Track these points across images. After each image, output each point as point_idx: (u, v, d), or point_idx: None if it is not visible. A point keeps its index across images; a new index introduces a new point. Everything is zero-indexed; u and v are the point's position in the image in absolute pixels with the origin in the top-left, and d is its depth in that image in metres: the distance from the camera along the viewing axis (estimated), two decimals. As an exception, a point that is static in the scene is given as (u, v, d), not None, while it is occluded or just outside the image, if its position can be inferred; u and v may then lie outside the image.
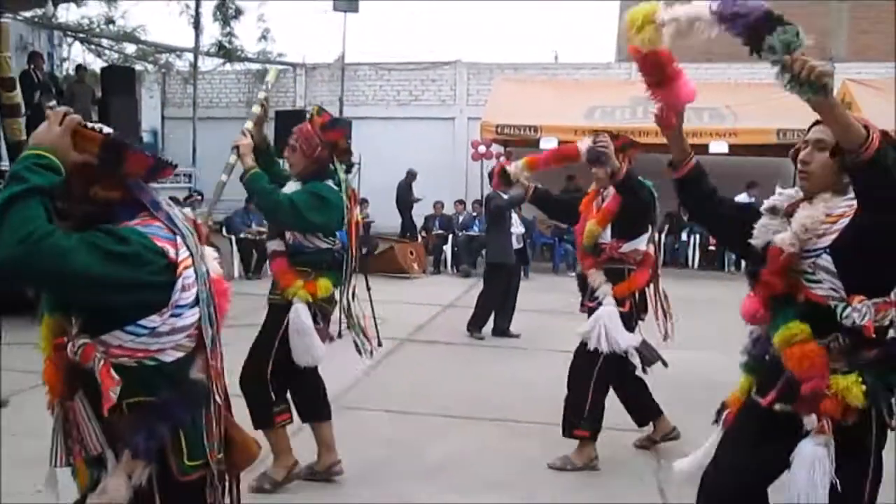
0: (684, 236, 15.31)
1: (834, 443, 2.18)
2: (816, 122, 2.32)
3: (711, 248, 14.92)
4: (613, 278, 4.41)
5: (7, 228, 1.58)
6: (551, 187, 5.78)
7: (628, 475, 4.44)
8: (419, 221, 15.81)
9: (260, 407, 3.92)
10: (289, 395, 4.14)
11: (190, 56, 16.77)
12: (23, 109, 9.73)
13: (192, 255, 1.89)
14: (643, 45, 2.30)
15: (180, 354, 1.90)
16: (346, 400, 5.76)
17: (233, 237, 12.73)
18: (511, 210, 8.63)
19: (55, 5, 14.70)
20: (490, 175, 5.10)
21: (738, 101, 14.36)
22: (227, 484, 2.06)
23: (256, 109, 4.06)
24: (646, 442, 4.77)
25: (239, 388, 3.92)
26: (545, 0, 37.52)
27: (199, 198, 13.15)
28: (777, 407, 2.31)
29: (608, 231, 4.42)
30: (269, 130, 15.66)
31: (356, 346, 4.30)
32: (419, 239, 15.09)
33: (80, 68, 14.34)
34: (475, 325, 8.29)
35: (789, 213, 2.33)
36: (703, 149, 13.33)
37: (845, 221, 2.17)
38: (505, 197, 7.84)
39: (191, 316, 1.88)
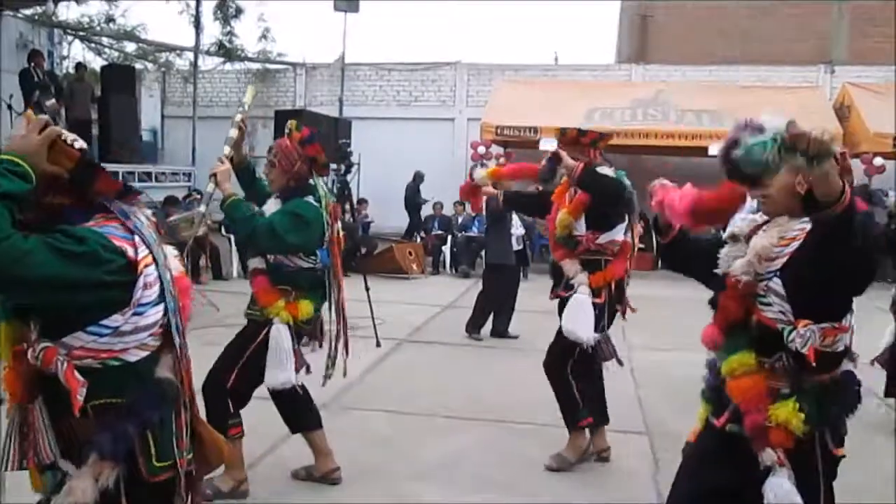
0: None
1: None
2: None
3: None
4: (590, 268, 4.33)
5: None
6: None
7: (627, 477, 4.44)
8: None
9: (215, 415, 3.83)
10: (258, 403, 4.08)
11: (190, 55, 16.76)
12: None
13: (152, 253, 1.88)
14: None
15: (145, 353, 1.89)
16: (345, 400, 5.75)
17: (232, 237, 12.72)
18: (511, 211, 8.62)
19: (55, 3, 14.71)
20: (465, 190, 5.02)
21: (738, 104, 14.36)
22: (196, 485, 2.06)
23: (234, 133, 3.96)
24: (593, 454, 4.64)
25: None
26: (546, 1, 37.55)
27: (199, 196, 13.12)
28: (728, 428, 2.33)
29: (583, 223, 4.33)
30: (269, 130, 15.70)
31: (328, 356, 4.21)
32: (418, 239, 15.09)
33: (80, 66, 14.33)
34: (474, 326, 8.28)
35: (750, 237, 2.33)
36: (703, 151, 13.33)
37: (796, 245, 2.16)
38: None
39: (154, 314, 1.88)
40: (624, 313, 4.54)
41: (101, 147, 13.41)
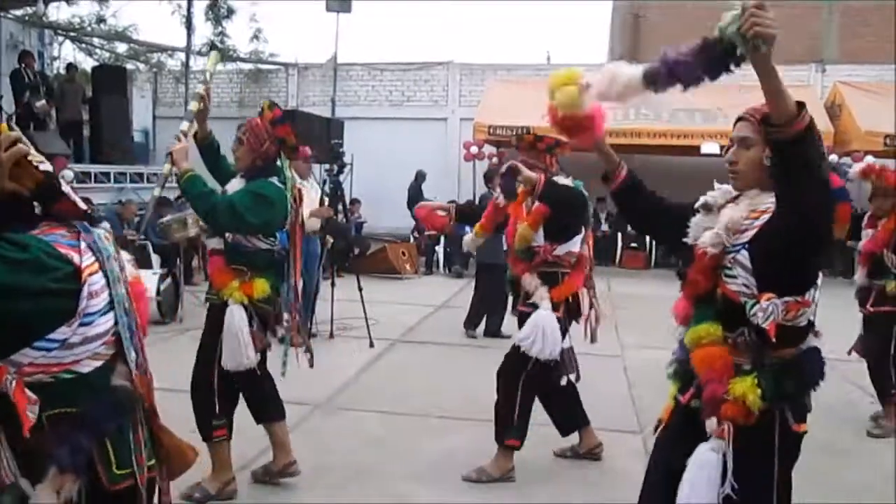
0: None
1: (737, 448, 2.15)
2: (739, 119, 2.31)
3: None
4: (548, 281, 4.28)
5: None
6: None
7: (621, 476, 4.44)
8: (411, 222, 15.81)
9: (201, 417, 3.82)
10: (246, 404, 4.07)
11: (181, 55, 16.72)
12: None
13: (99, 261, 1.84)
14: (561, 106, 2.34)
15: (98, 363, 1.85)
16: (339, 401, 5.75)
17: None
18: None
19: (46, 4, 14.65)
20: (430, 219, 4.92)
21: (729, 103, 14.34)
22: (158, 491, 2.03)
23: (194, 106, 3.89)
24: (568, 452, 4.66)
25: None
26: (538, 0, 37.58)
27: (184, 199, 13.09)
28: (693, 404, 2.31)
29: (540, 234, 4.27)
30: (262, 130, 15.31)
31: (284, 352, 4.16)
32: (412, 239, 15.09)
33: (70, 67, 14.29)
34: (470, 324, 8.33)
35: (722, 209, 2.31)
36: (695, 150, 13.36)
37: (766, 218, 2.15)
38: (496, 194, 7.82)
39: (104, 323, 1.84)
40: (585, 320, 4.50)
41: (92, 148, 13.38)
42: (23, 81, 12.32)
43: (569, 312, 4.35)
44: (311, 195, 7.81)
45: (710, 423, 2.19)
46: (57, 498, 1.79)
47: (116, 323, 1.88)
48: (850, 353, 5.46)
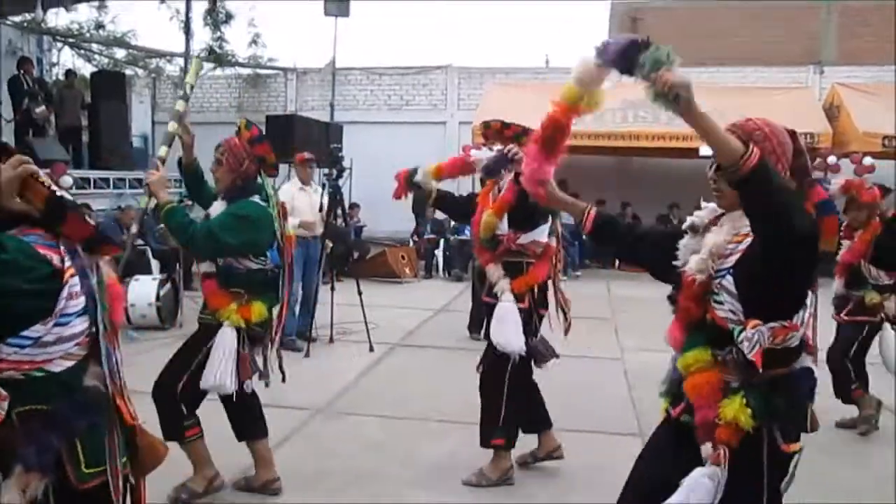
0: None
1: (727, 469, 2.12)
2: None
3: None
4: (512, 272, 4.20)
5: None
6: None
7: (621, 479, 4.41)
8: (410, 226, 15.81)
9: (168, 419, 3.77)
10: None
11: (180, 61, 16.73)
12: None
13: (76, 262, 1.85)
14: (587, 107, 2.34)
15: (71, 363, 1.87)
16: (339, 405, 5.74)
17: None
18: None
19: (45, 10, 14.66)
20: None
21: (726, 105, 14.37)
22: (130, 488, 2.04)
23: (172, 128, 3.86)
24: (529, 458, 4.53)
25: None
26: (536, 2, 37.64)
27: (190, 203, 13.10)
28: (682, 419, 2.29)
29: (505, 222, 4.19)
30: (260, 135, 15.25)
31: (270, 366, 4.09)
32: (411, 243, 15.09)
33: (69, 73, 14.29)
34: (475, 328, 8.31)
35: (707, 229, 2.28)
36: (693, 152, 13.36)
37: (748, 241, 2.12)
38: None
39: (79, 324, 1.86)
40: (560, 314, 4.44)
41: (91, 153, 13.37)
42: (22, 88, 12.32)
43: (535, 303, 4.25)
44: (313, 199, 7.84)
45: (706, 449, 2.17)
46: (22, 496, 1.79)
47: (93, 324, 1.89)
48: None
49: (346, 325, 8.19)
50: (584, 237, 2.63)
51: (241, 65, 18.07)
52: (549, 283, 4.40)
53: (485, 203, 4.34)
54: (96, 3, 16.09)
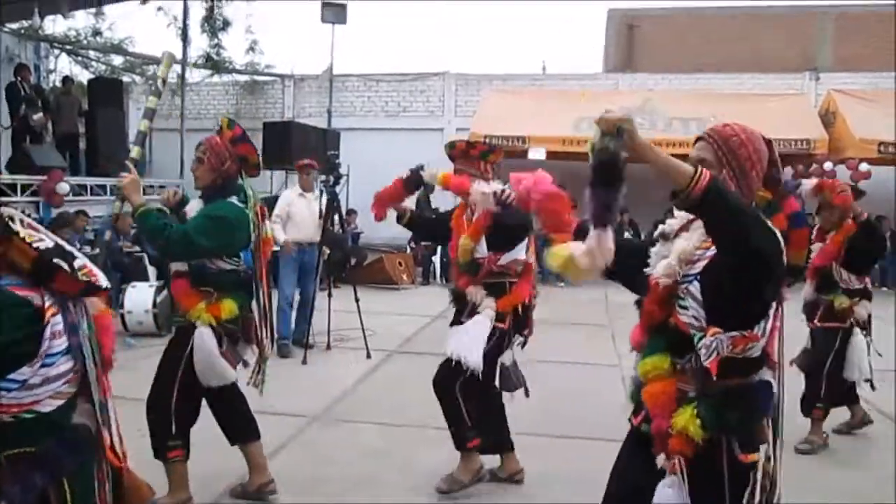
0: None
1: (687, 476, 2.12)
2: (699, 139, 2.28)
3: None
4: (495, 292, 4.13)
5: None
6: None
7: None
8: (407, 233, 15.79)
9: (157, 436, 3.74)
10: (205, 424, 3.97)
11: (178, 68, 16.75)
12: None
13: (57, 303, 1.83)
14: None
15: (60, 402, 1.85)
16: (336, 412, 5.73)
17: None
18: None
19: (42, 17, 14.68)
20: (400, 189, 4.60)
21: (725, 112, 14.46)
22: None
23: (144, 126, 3.81)
24: (486, 475, 4.38)
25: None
26: (533, 9, 37.73)
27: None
28: (643, 428, 2.29)
29: (483, 245, 4.14)
30: (258, 142, 15.66)
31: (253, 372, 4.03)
32: (408, 250, 15.09)
33: (66, 80, 14.31)
34: None
35: (676, 235, 2.27)
36: (690, 159, 13.36)
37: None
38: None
39: (65, 363, 1.84)
40: (526, 337, 4.32)
41: (88, 160, 13.38)
42: (19, 94, 12.32)
43: (516, 323, 4.20)
44: (312, 206, 7.84)
45: (660, 459, 2.18)
46: None
47: (77, 361, 1.86)
48: (791, 364, 5.19)
49: (344, 331, 8.18)
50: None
51: (239, 71, 18.11)
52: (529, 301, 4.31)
53: (459, 226, 4.28)
54: (93, 10, 16.12)
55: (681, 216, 2.33)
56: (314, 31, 32.59)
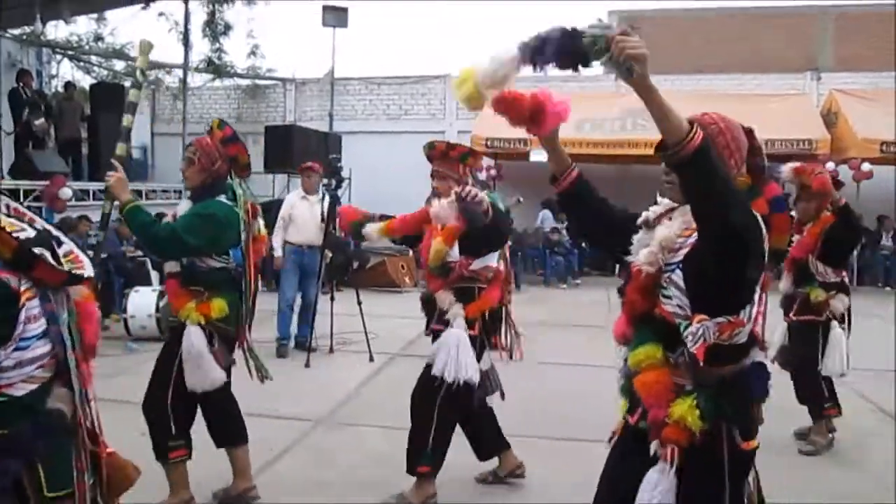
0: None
1: (687, 469, 2.10)
2: None
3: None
4: (463, 297, 4.08)
5: None
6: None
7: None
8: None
9: (157, 437, 3.74)
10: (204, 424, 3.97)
11: (179, 72, 16.82)
12: None
13: (34, 287, 1.83)
14: (464, 102, 2.32)
15: (34, 386, 1.84)
16: (340, 416, 5.73)
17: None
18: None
19: (44, 23, 14.72)
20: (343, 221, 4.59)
21: (726, 112, 14.29)
22: None
23: (127, 121, 3.82)
24: (489, 476, 4.44)
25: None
26: (534, 10, 37.75)
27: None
28: (640, 425, 2.26)
29: (456, 249, 4.07)
30: (260, 147, 15.71)
31: (248, 369, 4.02)
32: (410, 253, 15.09)
33: (68, 85, 14.34)
34: None
35: (657, 223, 2.25)
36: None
37: (696, 235, 2.08)
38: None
39: (41, 347, 1.83)
40: (498, 346, 4.32)
41: (90, 165, 13.40)
42: (21, 100, 12.36)
43: (486, 329, 4.18)
44: (314, 209, 7.85)
45: (654, 446, 2.16)
46: None
47: (55, 346, 1.86)
48: (773, 362, 5.03)
49: (346, 335, 8.18)
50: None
51: (240, 75, 18.15)
52: (501, 307, 4.31)
53: (432, 230, 4.20)
54: (95, 16, 16.16)
55: (664, 204, 2.32)
56: (315, 35, 32.60)
